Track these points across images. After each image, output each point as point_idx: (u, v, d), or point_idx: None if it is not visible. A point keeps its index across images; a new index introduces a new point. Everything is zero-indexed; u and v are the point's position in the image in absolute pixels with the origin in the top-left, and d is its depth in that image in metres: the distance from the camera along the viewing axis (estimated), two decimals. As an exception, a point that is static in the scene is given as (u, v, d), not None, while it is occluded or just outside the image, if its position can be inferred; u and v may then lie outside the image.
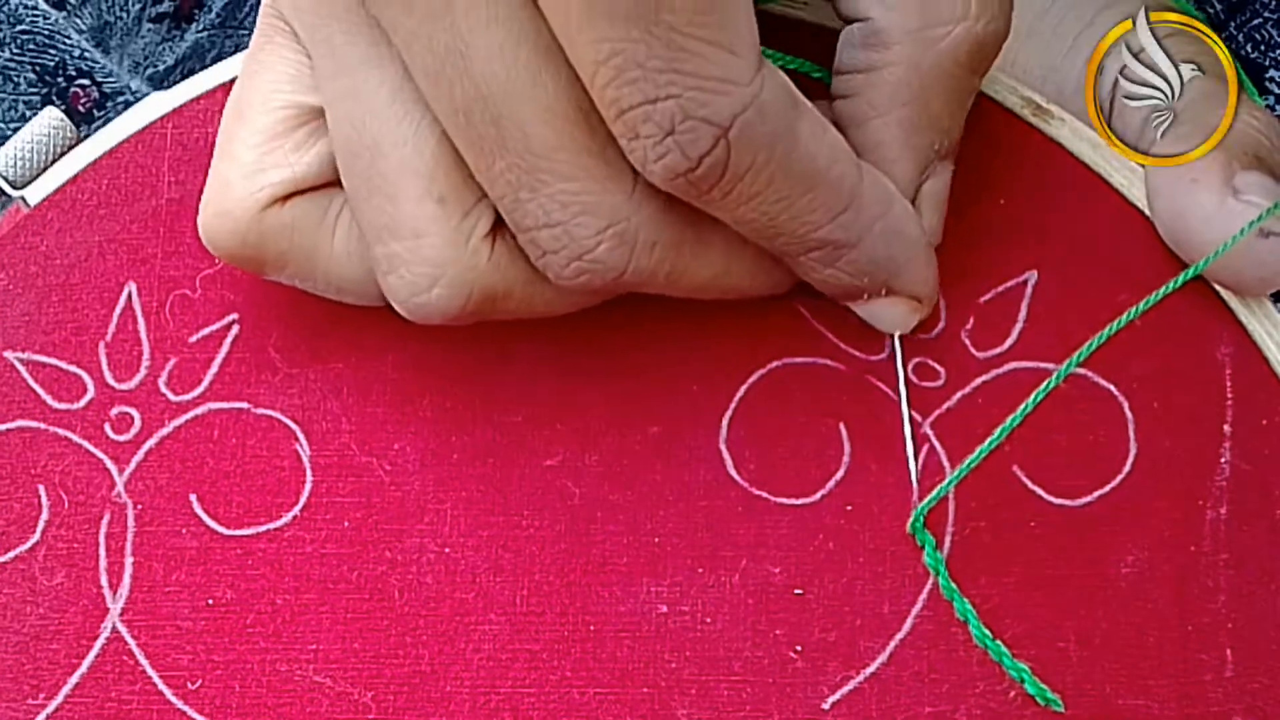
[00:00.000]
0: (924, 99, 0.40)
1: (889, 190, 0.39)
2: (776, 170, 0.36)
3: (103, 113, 0.57)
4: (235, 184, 0.39)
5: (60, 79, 0.56)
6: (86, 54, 0.57)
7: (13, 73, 0.56)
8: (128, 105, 0.56)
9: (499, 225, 0.38)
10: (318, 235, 0.40)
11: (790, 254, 0.39)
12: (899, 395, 0.42)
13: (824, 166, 0.37)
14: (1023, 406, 0.40)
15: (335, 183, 0.40)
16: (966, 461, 0.40)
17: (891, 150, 0.40)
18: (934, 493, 0.40)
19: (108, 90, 0.57)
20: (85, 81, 0.56)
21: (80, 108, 0.56)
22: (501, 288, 0.39)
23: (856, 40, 0.40)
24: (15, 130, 0.49)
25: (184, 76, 0.55)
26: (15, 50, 0.56)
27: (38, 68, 0.56)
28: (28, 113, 0.56)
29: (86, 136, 0.45)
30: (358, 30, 0.38)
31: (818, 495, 0.41)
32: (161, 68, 0.63)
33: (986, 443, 0.40)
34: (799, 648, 0.40)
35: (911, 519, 0.40)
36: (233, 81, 0.44)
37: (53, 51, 0.56)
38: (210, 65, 0.47)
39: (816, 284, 0.40)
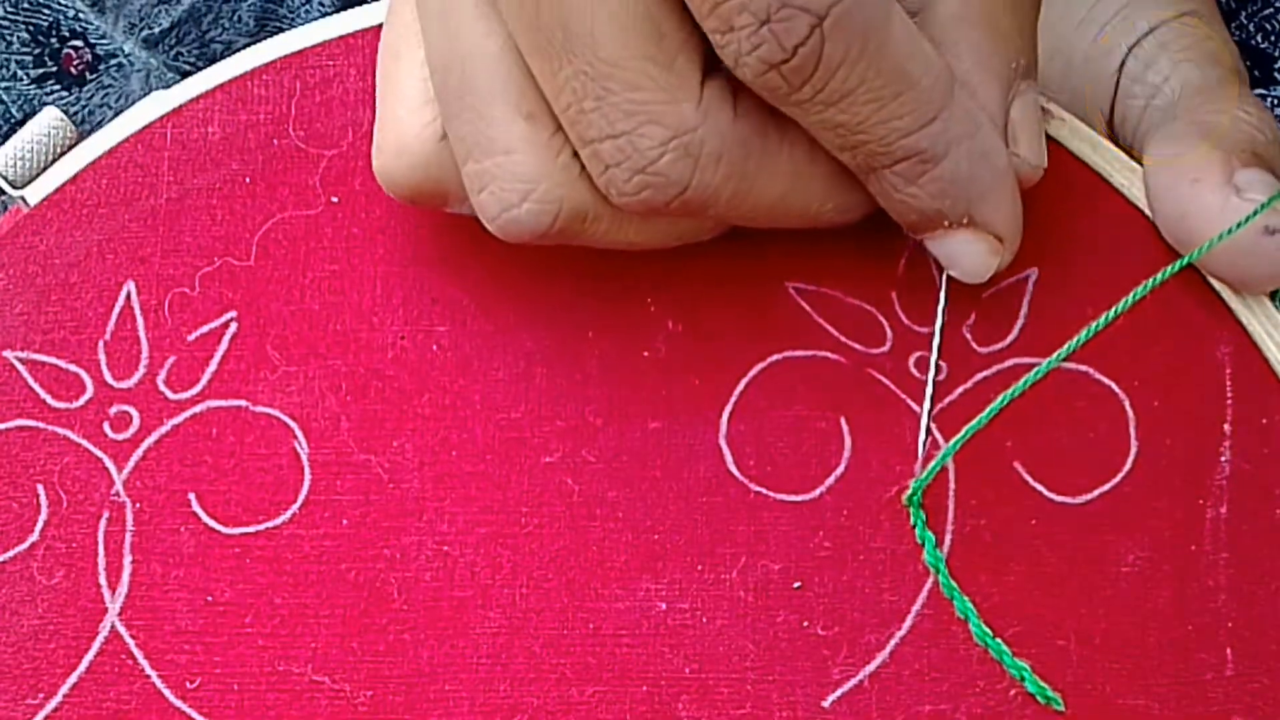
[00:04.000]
0: (991, 20, 0.39)
1: (979, 114, 0.38)
2: (869, 67, 0.36)
3: (95, 76, 0.56)
4: (406, 119, 0.39)
5: (54, 39, 0.56)
6: (81, 15, 0.57)
7: (5, 31, 0.56)
8: (120, 69, 0.56)
9: None
10: None
11: (872, 167, 0.38)
12: (929, 366, 0.41)
13: (916, 70, 0.36)
14: (1020, 382, 0.40)
15: None
16: (963, 431, 0.40)
17: (972, 77, 0.39)
18: (930, 466, 0.40)
19: (101, 53, 0.57)
20: (78, 43, 0.56)
21: (73, 70, 0.56)
22: (590, 206, 0.39)
23: None
24: (6, 88, 0.49)
25: (179, 41, 0.55)
26: (9, 9, 0.56)
27: (31, 27, 0.56)
28: (19, 72, 0.56)
29: (86, 135, 0.45)
30: None
31: (817, 492, 0.41)
32: (157, 30, 0.63)
33: (981, 415, 0.40)
34: (799, 645, 0.40)
35: (909, 493, 0.40)
36: (230, 82, 0.45)
37: (47, 11, 0.56)
38: (207, 30, 0.47)
39: (894, 207, 0.39)
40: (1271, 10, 0.52)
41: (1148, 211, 0.43)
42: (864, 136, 0.37)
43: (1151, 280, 0.40)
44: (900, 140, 0.37)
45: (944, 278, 0.41)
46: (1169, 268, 0.41)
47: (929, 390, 0.41)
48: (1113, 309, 0.41)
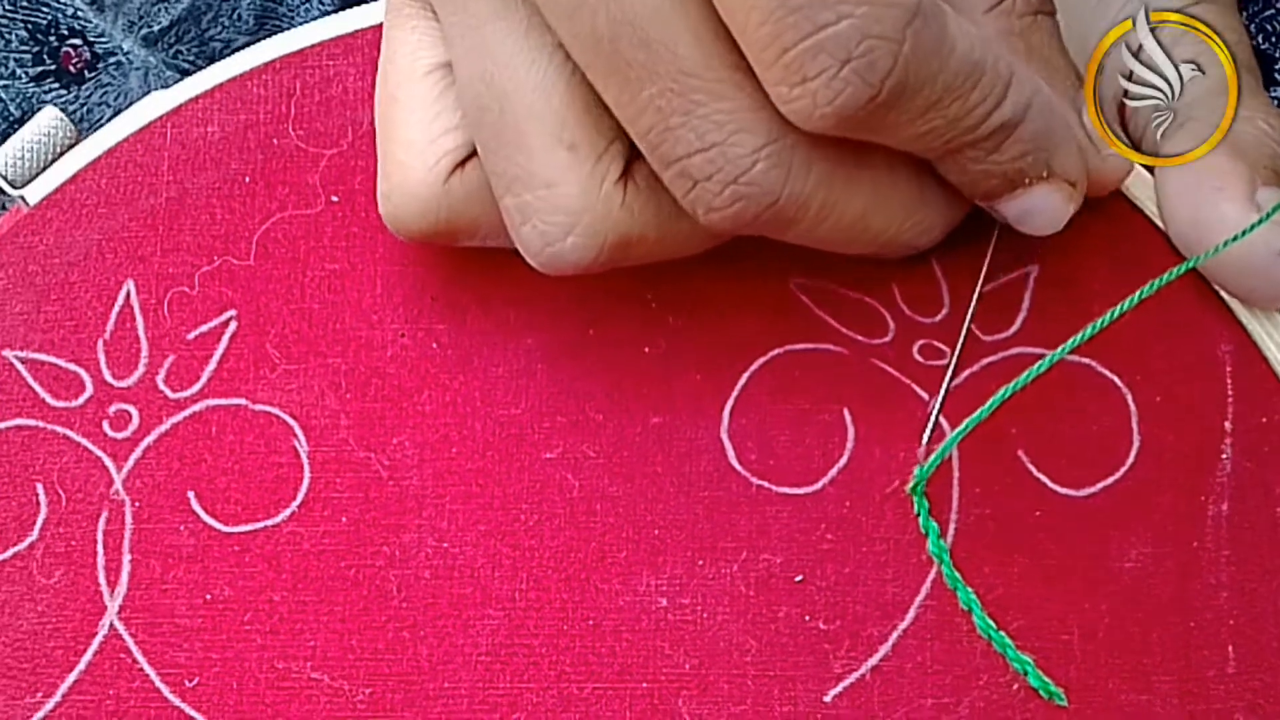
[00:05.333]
0: None
1: (1029, 71, 0.38)
2: (946, 73, 0.35)
3: (94, 74, 0.56)
4: (411, 163, 0.39)
5: (52, 38, 0.56)
6: (80, 13, 0.57)
7: (4, 29, 0.56)
8: (119, 67, 0.56)
9: (630, 170, 0.38)
10: None
11: (951, 150, 0.38)
12: (955, 347, 0.41)
13: (979, 53, 0.36)
14: (1025, 373, 0.40)
15: None
16: (970, 419, 0.40)
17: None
18: (936, 453, 0.40)
19: (99, 51, 0.57)
20: (77, 41, 0.56)
21: (71, 68, 0.56)
22: (635, 232, 0.38)
23: None
24: (5, 86, 0.49)
25: (178, 39, 0.55)
26: (8, 6, 0.56)
27: (30, 25, 0.56)
28: (18, 70, 0.56)
29: (85, 134, 0.45)
30: None
31: (820, 484, 0.41)
32: (156, 29, 0.63)
33: (990, 402, 0.40)
34: (801, 639, 0.40)
35: (913, 481, 0.40)
36: (230, 82, 0.45)
37: (45, 9, 0.56)
38: (206, 28, 0.47)
39: (973, 179, 0.39)
40: (1272, 11, 0.52)
41: (1147, 211, 0.43)
42: (950, 132, 0.37)
43: (1159, 280, 0.40)
44: (984, 122, 0.37)
45: (991, 245, 0.41)
46: (1177, 268, 0.40)
47: (950, 369, 0.41)
48: (1118, 306, 0.40)
